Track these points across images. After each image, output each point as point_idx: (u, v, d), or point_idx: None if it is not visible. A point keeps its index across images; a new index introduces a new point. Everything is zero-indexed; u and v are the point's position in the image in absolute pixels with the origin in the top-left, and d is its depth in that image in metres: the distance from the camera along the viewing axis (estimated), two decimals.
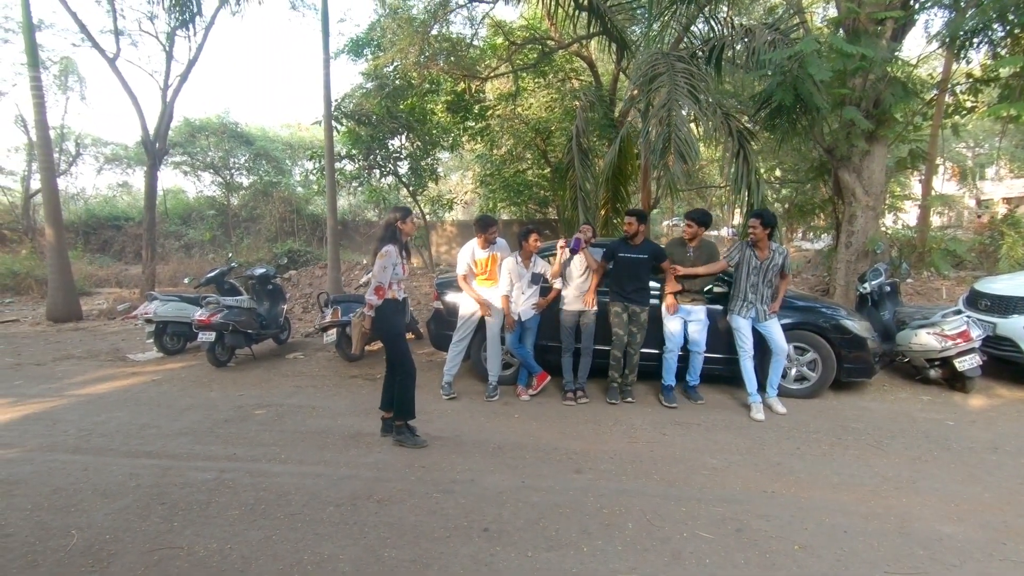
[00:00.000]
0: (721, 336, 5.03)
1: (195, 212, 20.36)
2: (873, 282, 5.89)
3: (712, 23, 7.75)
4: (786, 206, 12.70)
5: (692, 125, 7.04)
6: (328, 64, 9.23)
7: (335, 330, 6.51)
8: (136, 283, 13.75)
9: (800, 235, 20.18)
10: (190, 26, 11.57)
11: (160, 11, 11.97)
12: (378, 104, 11.35)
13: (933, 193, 10.95)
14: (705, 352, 4.98)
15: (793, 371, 5.05)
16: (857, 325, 4.99)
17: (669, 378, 4.96)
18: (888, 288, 5.95)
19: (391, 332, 3.99)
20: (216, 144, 19.78)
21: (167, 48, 12.37)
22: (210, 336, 6.35)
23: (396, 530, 2.91)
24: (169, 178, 25.55)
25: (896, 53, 6.88)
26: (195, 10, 10.73)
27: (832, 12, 10.21)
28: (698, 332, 4.90)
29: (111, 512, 3.15)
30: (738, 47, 7.16)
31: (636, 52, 9.55)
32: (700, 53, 7.42)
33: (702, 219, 4.95)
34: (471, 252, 5.18)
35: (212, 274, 7.41)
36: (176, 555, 2.73)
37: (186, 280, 8.10)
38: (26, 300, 12.90)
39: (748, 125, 7.50)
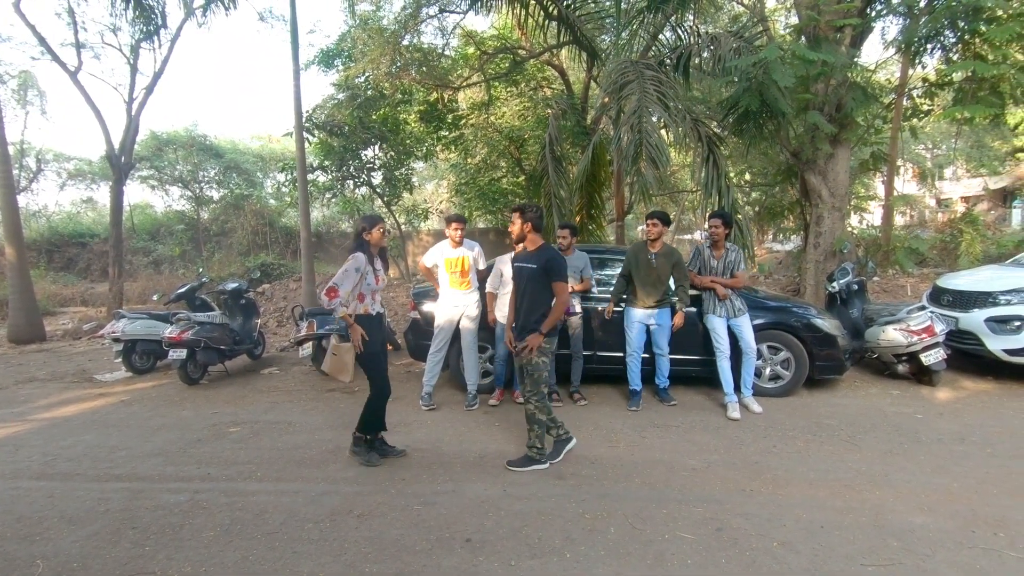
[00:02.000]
0: (696, 337, 5.11)
1: (164, 227, 19.90)
2: (841, 281, 6.04)
3: (679, 31, 7.93)
4: (756, 209, 12.98)
5: (663, 131, 7.17)
6: (298, 75, 9.16)
7: (311, 343, 6.41)
8: (103, 301, 13.35)
9: (771, 237, 20.64)
10: (155, 38, 11.40)
11: (124, 23, 11.73)
12: (350, 115, 11.29)
13: (895, 193, 11.32)
14: (679, 355, 5.06)
15: (767, 370, 5.14)
16: (828, 323, 5.11)
17: (634, 382, 5.01)
18: (856, 286, 6.11)
19: (366, 349, 3.83)
20: (184, 157, 19.41)
21: (131, 61, 12.11)
22: (181, 353, 6.20)
23: (377, 544, 2.87)
24: (136, 193, 24.99)
25: (855, 59, 7.13)
26: (159, 22, 10.56)
27: (794, 20, 10.52)
28: (661, 335, 4.97)
29: (79, 539, 3.04)
30: (704, 54, 7.31)
31: (606, 60, 9.70)
32: (668, 61, 7.57)
33: (666, 218, 5.01)
34: (441, 249, 5.16)
35: (182, 290, 7.25)
36: None
37: (155, 297, 7.89)
38: None
39: (717, 130, 7.66)
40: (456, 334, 5.15)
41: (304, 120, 9.58)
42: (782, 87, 6.06)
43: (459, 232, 5.04)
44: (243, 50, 65.61)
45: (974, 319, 5.33)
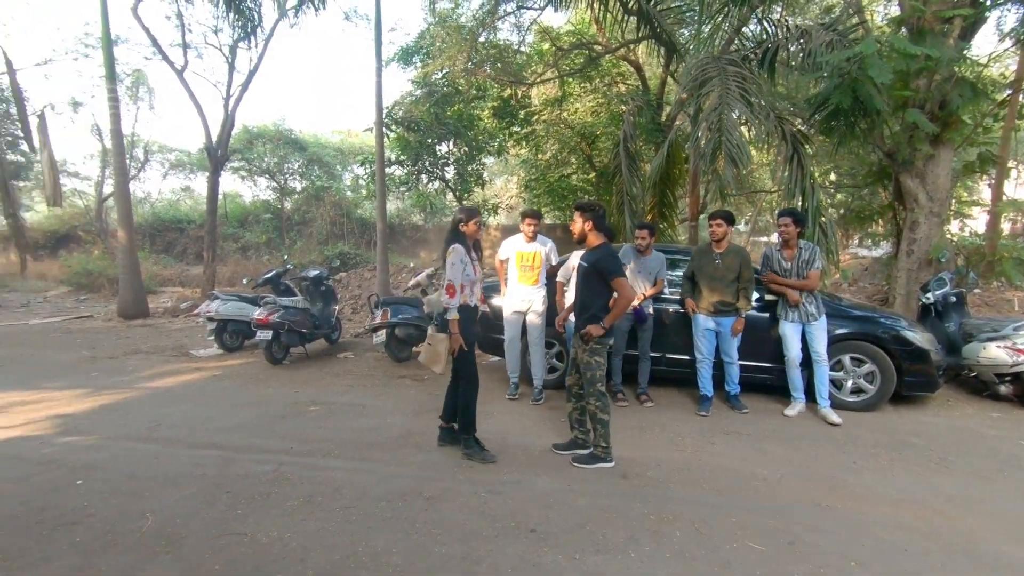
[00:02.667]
0: (771, 344, 4.93)
1: (251, 215, 21.23)
2: (937, 292, 5.63)
3: (765, 24, 7.58)
4: (841, 211, 12.24)
5: (743, 129, 6.91)
6: (380, 72, 9.51)
7: (384, 331, 6.69)
8: (197, 283, 14.47)
9: (856, 242, 19.39)
10: (251, 38, 12.15)
11: (224, 24, 12.60)
12: (427, 111, 11.59)
13: (1004, 198, 10.33)
14: (753, 361, 4.91)
15: (849, 383, 4.88)
16: (919, 336, 4.79)
17: (705, 388, 4.90)
18: (953, 298, 5.68)
19: (464, 341, 3.83)
20: (272, 150, 20.59)
21: (229, 60, 13.00)
22: (267, 335, 6.63)
23: (444, 527, 2.99)
24: (227, 183, 26.74)
25: (964, 52, 6.57)
26: (256, 22, 11.28)
27: (894, 10, 9.84)
28: (728, 342, 4.83)
29: (180, 498, 3.35)
30: (793, 48, 6.98)
31: (685, 56, 9.45)
32: (752, 56, 7.29)
33: (731, 218, 4.87)
34: (514, 243, 5.24)
35: (269, 275, 7.74)
36: (240, 541, 2.88)
37: (244, 281, 8.50)
38: (98, 297, 13.79)
39: (802, 128, 7.30)
40: (524, 329, 5.24)
41: (383, 116, 9.93)
42: (878, 83, 5.69)
43: (533, 227, 5.09)
44: (328, 49, 68.66)
45: None
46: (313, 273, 7.72)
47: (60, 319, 10.84)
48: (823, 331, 4.64)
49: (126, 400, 5.40)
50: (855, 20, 7.44)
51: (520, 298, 5.16)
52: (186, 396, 5.52)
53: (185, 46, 12.72)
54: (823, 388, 4.64)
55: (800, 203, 6.49)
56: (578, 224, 3.81)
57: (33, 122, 12.92)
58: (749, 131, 6.91)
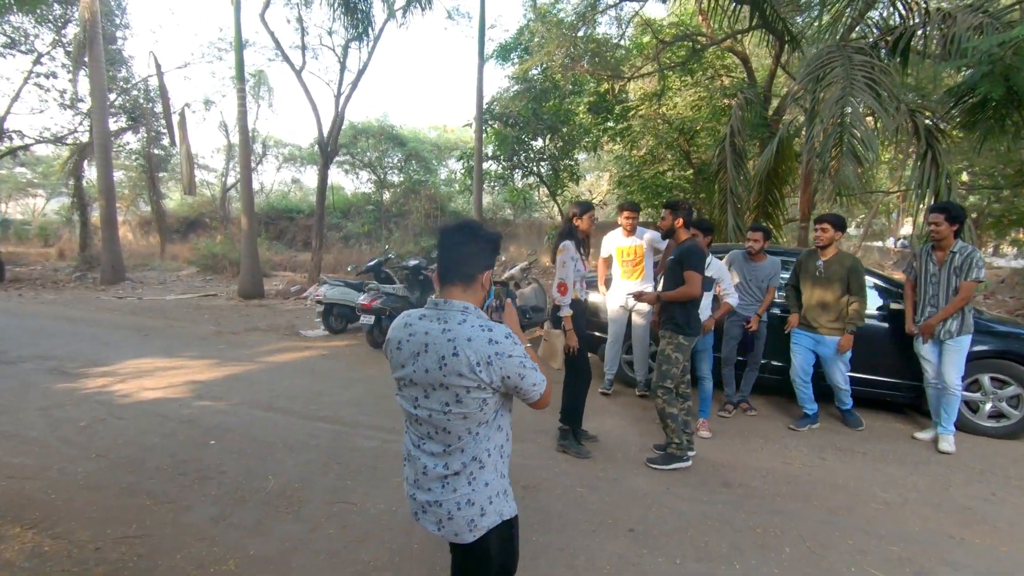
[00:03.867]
0: (893, 356, 4.52)
1: (353, 207, 22.49)
2: None
3: (898, 7, 6.91)
4: (974, 215, 10.97)
5: (869, 121, 6.37)
6: (482, 68, 9.75)
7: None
8: (305, 268, 15.55)
9: (991, 249, 17.32)
10: (362, 38, 12.82)
11: (338, 26, 13.39)
12: (524, 106, 11.70)
13: None
14: (872, 375, 4.55)
15: (988, 406, 4.38)
16: None
17: (806, 405, 4.55)
18: None
19: (575, 334, 3.84)
20: (374, 145, 21.67)
21: (341, 59, 13.78)
22: (370, 319, 7.02)
23: (543, 516, 3.03)
24: (332, 175, 28.48)
25: None
26: (367, 23, 11.88)
27: None
28: (832, 367, 4.39)
29: (298, 464, 3.64)
30: (930, 34, 6.32)
31: (799, 45, 8.85)
32: (882, 44, 6.68)
33: (839, 223, 4.32)
34: (613, 238, 5.12)
35: (372, 263, 8.17)
36: (351, 509, 3.09)
37: (349, 268, 9.05)
38: (221, 278, 15.18)
39: (936, 122, 6.60)
40: (629, 327, 5.18)
41: (483, 111, 10.15)
42: None
43: (631, 220, 4.95)
44: (428, 46, 71.07)
45: None
46: (413, 263, 8.05)
47: (190, 296, 12.07)
48: (962, 354, 4.00)
49: (249, 372, 5.93)
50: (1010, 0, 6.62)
51: (625, 294, 5.03)
52: (300, 371, 5.97)
53: (303, 48, 13.64)
54: (950, 413, 4.11)
55: (932, 203, 5.89)
56: (667, 220, 3.81)
57: (175, 120, 14.45)
58: (876, 124, 6.35)
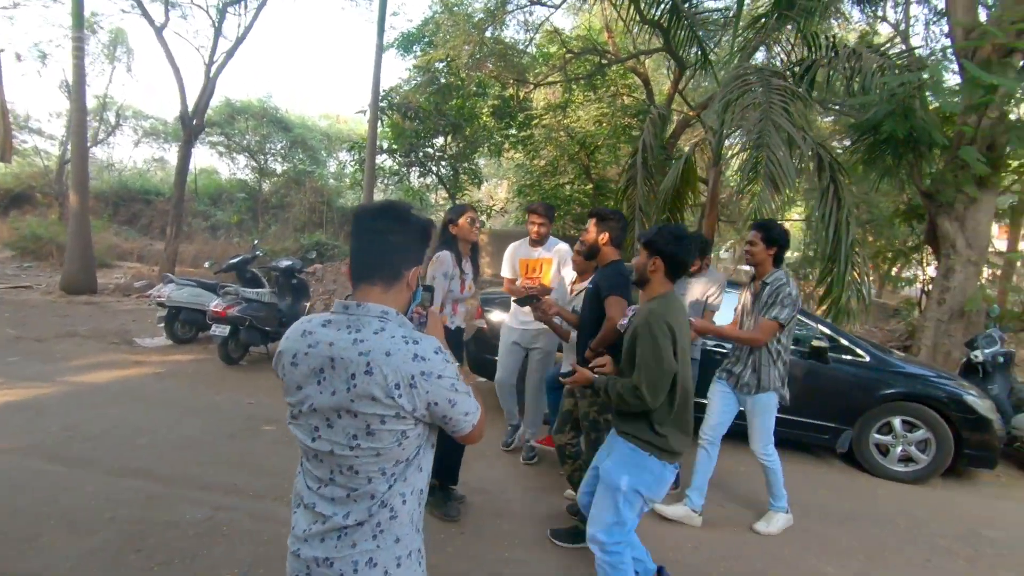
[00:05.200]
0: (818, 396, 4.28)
1: (225, 193, 20.04)
2: (987, 350, 5.06)
3: (807, 38, 7.00)
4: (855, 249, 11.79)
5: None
6: (380, 51, 8.75)
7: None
8: (158, 259, 13.33)
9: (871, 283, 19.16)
10: (242, 2, 11.21)
11: None
12: (426, 99, 10.81)
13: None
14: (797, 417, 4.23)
15: (899, 449, 4.24)
16: (982, 403, 4.18)
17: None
18: (1001, 359, 5.12)
19: None
20: (254, 127, 19.49)
21: (216, 23, 11.98)
22: (224, 330, 5.74)
23: None
24: (204, 157, 25.41)
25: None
26: None
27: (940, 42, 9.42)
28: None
29: (76, 554, 2.49)
30: (835, 69, 6.41)
31: (709, 66, 8.88)
32: (789, 72, 6.70)
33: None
34: (513, 251, 4.06)
35: (235, 260, 6.84)
36: None
37: (206, 264, 7.56)
38: (44, 267, 12.56)
39: (838, 155, 6.73)
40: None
41: (380, 99, 9.11)
42: (940, 114, 5.15)
43: (539, 227, 3.84)
44: (322, 27, 67.14)
45: None
46: (285, 263, 6.83)
47: None
48: (763, 417, 3.19)
49: (41, 397, 4.46)
50: (899, 47, 6.95)
51: (520, 321, 3.86)
52: (117, 397, 4.60)
53: (168, 2, 11.69)
54: (768, 487, 3.35)
55: (830, 240, 5.90)
56: (592, 234, 2.96)
57: None
58: (792, 152, 6.31)
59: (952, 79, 7.15)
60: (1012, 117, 6.67)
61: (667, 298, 2.19)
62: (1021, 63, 5.84)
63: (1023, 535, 3.56)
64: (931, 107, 5.85)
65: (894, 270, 9.51)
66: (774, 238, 3.15)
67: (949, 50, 7.50)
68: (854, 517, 3.61)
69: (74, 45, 9.33)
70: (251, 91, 39.04)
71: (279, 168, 20.69)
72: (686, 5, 7.71)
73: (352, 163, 13.25)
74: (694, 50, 10.55)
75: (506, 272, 4.10)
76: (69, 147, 18.97)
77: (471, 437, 1.31)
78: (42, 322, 7.24)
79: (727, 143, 7.71)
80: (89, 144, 15.09)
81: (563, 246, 3.98)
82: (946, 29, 7.09)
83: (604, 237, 2.94)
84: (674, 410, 2.12)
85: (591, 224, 3.00)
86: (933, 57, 7.77)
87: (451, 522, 3.03)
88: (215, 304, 5.75)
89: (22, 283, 10.30)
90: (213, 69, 11.81)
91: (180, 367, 5.74)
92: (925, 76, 5.05)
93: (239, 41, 11.87)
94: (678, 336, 2.07)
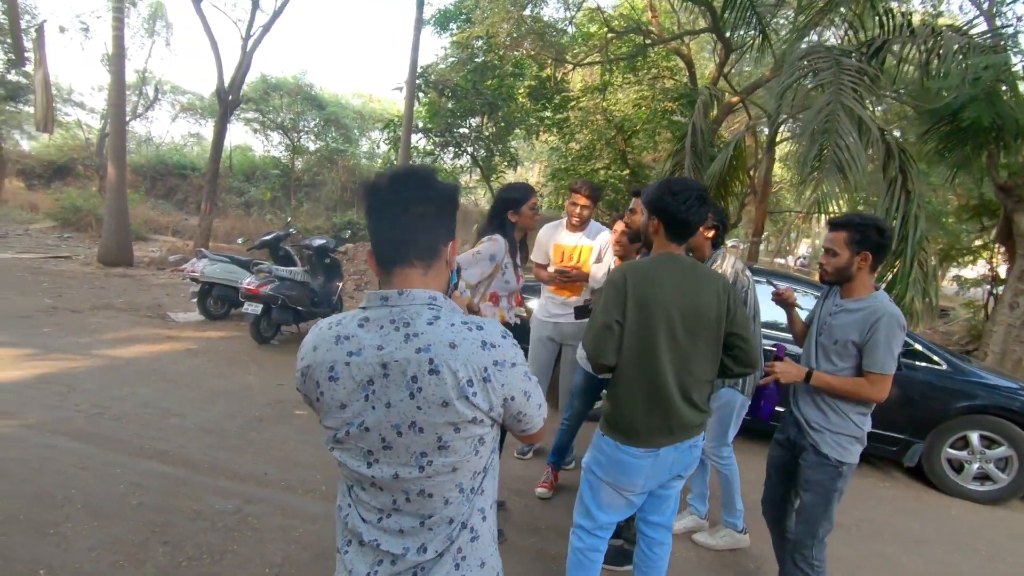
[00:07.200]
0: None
1: (259, 170, 20.12)
2: None
3: (880, 16, 6.45)
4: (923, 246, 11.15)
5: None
6: (420, 25, 8.45)
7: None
8: (193, 234, 13.44)
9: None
10: None
11: None
12: (463, 77, 10.50)
13: None
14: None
15: (975, 466, 3.88)
16: None
17: None
18: None
19: None
20: (288, 104, 19.45)
21: None
22: (256, 308, 5.63)
23: None
24: (239, 134, 25.69)
25: None
26: None
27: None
28: None
29: (96, 545, 2.36)
30: (910, 49, 5.90)
31: (743, 56, 8.39)
32: (858, 53, 6.21)
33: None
34: (548, 234, 3.49)
35: (267, 237, 6.71)
36: None
37: (239, 240, 7.46)
38: (83, 238, 12.77)
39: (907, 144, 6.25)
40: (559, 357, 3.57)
41: (417, 76, 8.85)
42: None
43: (583, 209, 3.26)
44: (358, 3, 66.90)
45: None
46: (318, 242, 6.68)
47: (34, 256, 9.81)
48: (724, 411, 2.74)
49: (72, 371, 4.40)
50: (983, 27, 6.37)
51: (549, 313, 3.41)
52: (148, 375, 4.51)
53: None
54: (725, 496, 2.92)
55: (899, 234, 5.46)
56: (641, 218, 2.28)
57: (28, 37, 11.78)
58: (861, 138, 5.86)
59: None
60: None
61: (656, 258, 1.86)
62: None
63: None
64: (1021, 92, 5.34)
65: (961, 270, 8.90)
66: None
67: None
68: (926, 540, 3.28)
69: (113, 16, 9.29)
70: (286, 68, 39.26)
71: (312, 146, 20.68)
72: None
73: (386, 141, 13.04)
74: (740, 32, 10.09)
75: (538, 257, 3.57)
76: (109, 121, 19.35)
77: (538, 435, 1.13)
78: (78, 293, 7.27)
79: (783, 128, 7.28)
80: (128, 118, 15.26)
81: (606, 233, 3.43)
82: None
83: (655, 223, 2.58)
84: (620, 383, 1.80)
85: (637, 204, 2.59)
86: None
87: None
88: (248, 281, 5.64)
89: (61, 253, 10.45)
90: (250, 43, 11.71)
91: (212, 344, 5.65)
92: (1016, 59, 4.52)
93: (276, 15, 11.73)
94: (648, 298, 1.74)
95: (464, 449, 0.97)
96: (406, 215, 1.00)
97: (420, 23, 8.47)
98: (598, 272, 3.20)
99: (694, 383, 1.77)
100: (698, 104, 7.10)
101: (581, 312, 3.01)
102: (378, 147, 19.97)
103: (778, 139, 7.14)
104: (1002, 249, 6.45)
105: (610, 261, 3.22)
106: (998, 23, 8.02)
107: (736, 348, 1.82)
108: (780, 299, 2.31)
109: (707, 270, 1.91)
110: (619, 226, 2.98)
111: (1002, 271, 6.81)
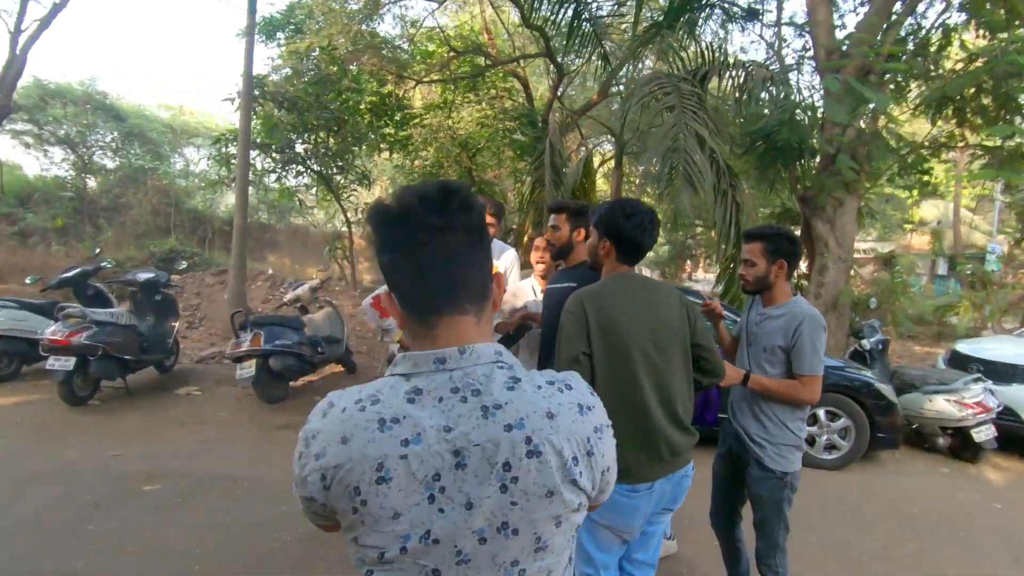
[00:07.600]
0: None
1: (38, 193, 16.64)
2: (872, 339, 5.61)
3: (702, 47, 7.33)
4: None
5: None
6: (252, 31, 7.67)
7: (254, 362, 4.96)
8: None
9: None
10: None
11: None
12: (302, 89, 9.76)
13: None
14: None
15: (824, 439, 4.49)
16: (886, 388, 4.57)
17: None
18: (880, 346, 5.71)
19: None
20: (74, 116, 16.43)
21: None
22: (68, 363, 4.53)
23: None
24: (6, 149, 21.07)
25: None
26: None
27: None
28: None
29: None
30: (727, 80, 6.80)
31: (573, 79, 9.07)
32: (684, 82, 7.00)
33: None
34: None
35: (70, 274, 5.54)
36: None
37: (28, 280, 5.96)
38: None
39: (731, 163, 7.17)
40: None
41: (252, 87, 7.97)
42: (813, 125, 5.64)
43: (489, 227, 3.17)
44: (160, 8, 59.55)
45: (1014, 394, 5.02)
46: (145, 276, 5.63)
47: None
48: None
49: None
50: (769, 64, 7.57)
51: None
52: None
53: None
54: None
55: (730, 244, 6.23)
56: (563, 231, 2.46)
57: None
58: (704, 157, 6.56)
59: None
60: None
61: (609, 280, 1.83)
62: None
63: (934, 509, 3.87)
64: (817, 118, 6.41)
65: None
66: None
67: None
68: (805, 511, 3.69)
69: None
70: (70, 73, 33.22)
71: (110, 164, 17.71)
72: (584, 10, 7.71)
73: (209, 160, 11.62)
74: (571, 57, 10.88)
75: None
76: None
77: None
78: None
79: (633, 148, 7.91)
80: None
81: (512, 252, 3.36)
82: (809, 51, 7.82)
83: (580, 233, 2.47)
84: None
85: (561, 220, 2.50)
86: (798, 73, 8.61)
87: None
88: (53, 330, 4.54)
89: None
90: (22, 39, 9.67)
91: (8, 414, 4.44)
92: (819, 88, 5.43)
93: (57, 8, 9.85)
94: (611, 321, 1.68)
95: (562, 546, 0.78)
96: (456, 247, 0.78)
97: (253, 29, 7.67)
98: (509, 296, 3.06)
99: (676, 402, 1.72)
100: (552, 123, 7.42)
101: (505, 342, 2.80)
102: (192, 165, 17.81)
103: (623, 156, 7.70)
104: (805, 251, 7.65)
105: (523, 282, 3.11)
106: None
107: (702, 360, 1.82)
108: (708, 311, 2.40)
109: (660, 283, 1.91)
110: (540, 242, 2.90)
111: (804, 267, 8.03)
